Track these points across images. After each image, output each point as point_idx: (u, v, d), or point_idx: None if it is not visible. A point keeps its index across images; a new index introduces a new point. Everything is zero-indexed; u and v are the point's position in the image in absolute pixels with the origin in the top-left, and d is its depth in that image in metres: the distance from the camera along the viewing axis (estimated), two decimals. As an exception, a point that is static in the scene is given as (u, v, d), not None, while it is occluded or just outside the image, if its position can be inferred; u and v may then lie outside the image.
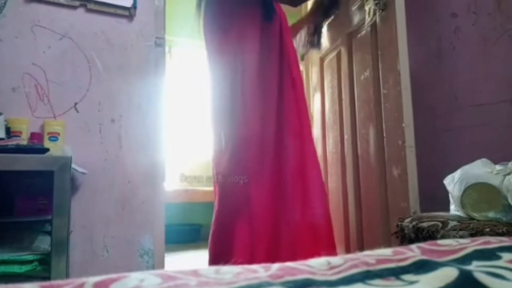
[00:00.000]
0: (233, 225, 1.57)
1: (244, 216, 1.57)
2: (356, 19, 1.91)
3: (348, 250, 1.92)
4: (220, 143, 1.68)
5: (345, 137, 1.99)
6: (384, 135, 1.67)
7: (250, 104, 1.65)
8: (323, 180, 1.76)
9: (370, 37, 1.78)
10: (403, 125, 1.54)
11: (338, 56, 2.11)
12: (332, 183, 2.13)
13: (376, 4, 1.69)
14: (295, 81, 1.77)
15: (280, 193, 1.63)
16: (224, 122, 1.69)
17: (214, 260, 1.61)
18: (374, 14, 1.73)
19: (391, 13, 1.62)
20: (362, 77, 1.85)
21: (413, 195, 1.50)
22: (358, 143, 1.87)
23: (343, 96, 2.03)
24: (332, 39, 2.16)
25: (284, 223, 1.60)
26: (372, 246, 1.72)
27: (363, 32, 1.86)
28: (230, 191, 1.63)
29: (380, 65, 1.71)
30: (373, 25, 1.76)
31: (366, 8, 1.78)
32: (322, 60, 2.33)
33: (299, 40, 2.14)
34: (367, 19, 1.79)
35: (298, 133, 1.71)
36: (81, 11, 1.71)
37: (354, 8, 1.92)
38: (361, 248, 1.80)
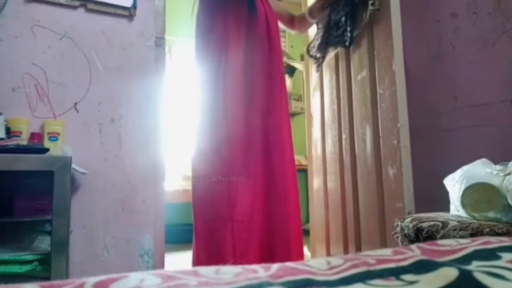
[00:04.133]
0: (223, 227, 1.53)
1: (229, 218, 1.53)
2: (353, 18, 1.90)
3: (346, 250, 1.92)
4: (205, 143, 1.63)
5: (343, 136, 1.98)
6: (380, 135, 1.66)
7: (233, 103, 1.62)
8: (298, 185, 1.75)
9: (367, 36, 1.78)
10: (398, 125, 1.53)
11: (337, 56, 2.10)
12: (331, 182, 2.13)
13: (371, 4, 1.68)
14: (282, 77, 1.77)
15: (266, 194, 1.61)
16: (208, 122, 1.63)
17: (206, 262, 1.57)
18: (370, 13, 1.73)
19: (386, 13, 1.62)
20: (359, 77, 1.84)
21: (408, 195, 1.50)
22: (356, 142, 1.87)
23: (341, 96, 2.03)
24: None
25: (273, 225, 1.60)
26: (369, 246, 1.73)
27: (360, 32, 1.85)
28: (213, 191, 1.56)
29: (376, 65, 1.71)
30: (370, 25, 1.76)
31: (362, 7, 1.78)
32: (321, 59, 2.33)
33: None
34: (362, 18, 1.79)
35: (283, 131, 1.70)
36: (81, 11, 1.71)
37: None
38: (359, 248, 1.80)
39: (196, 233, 1.60)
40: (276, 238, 1.59)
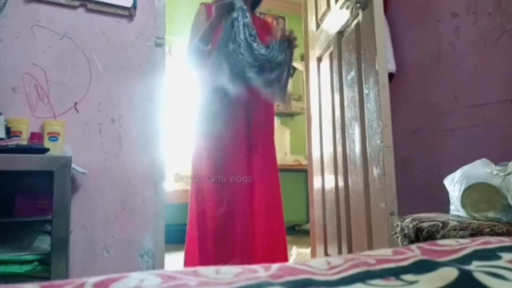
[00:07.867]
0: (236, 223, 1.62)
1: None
2: (343, 18, 1.90)
3: (340, 251, 1.92)
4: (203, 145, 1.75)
5: (337, 137, 1.98)
6: (366, 135, 1.66)
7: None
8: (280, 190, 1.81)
9: (355, 36, 1.77)
10: (381, 124, 1.53)
11: (331, 56, 2.10)
12: (327, 183, 2.13)
13: (356, 3, 1.68)
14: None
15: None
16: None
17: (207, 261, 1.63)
18: (357, 13, 1.73)
19: (371, 13, 1.61)
20: (349, 76, 1.84)
21: (390, 195, 1.49)
22: (347, 143, 1.87)
23: (335, 96, 2.02)
24: (327, 38, 2.16)
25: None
26: (358, 247, 1.73)
27: (349, 32, 1.85)
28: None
29: (362, 65, 1.70)
30: (357, 25, 1.76)
31: (349, 7, 1.78)
32: (319, 59, 2.32)
33: None
34: (350, 18, 1.79)
35: (265, 137, 1.78)
36: (81, 11, 1.71)
37: (340, 7, 1.92)
38: (350, 249, 1.80)
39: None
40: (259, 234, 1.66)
